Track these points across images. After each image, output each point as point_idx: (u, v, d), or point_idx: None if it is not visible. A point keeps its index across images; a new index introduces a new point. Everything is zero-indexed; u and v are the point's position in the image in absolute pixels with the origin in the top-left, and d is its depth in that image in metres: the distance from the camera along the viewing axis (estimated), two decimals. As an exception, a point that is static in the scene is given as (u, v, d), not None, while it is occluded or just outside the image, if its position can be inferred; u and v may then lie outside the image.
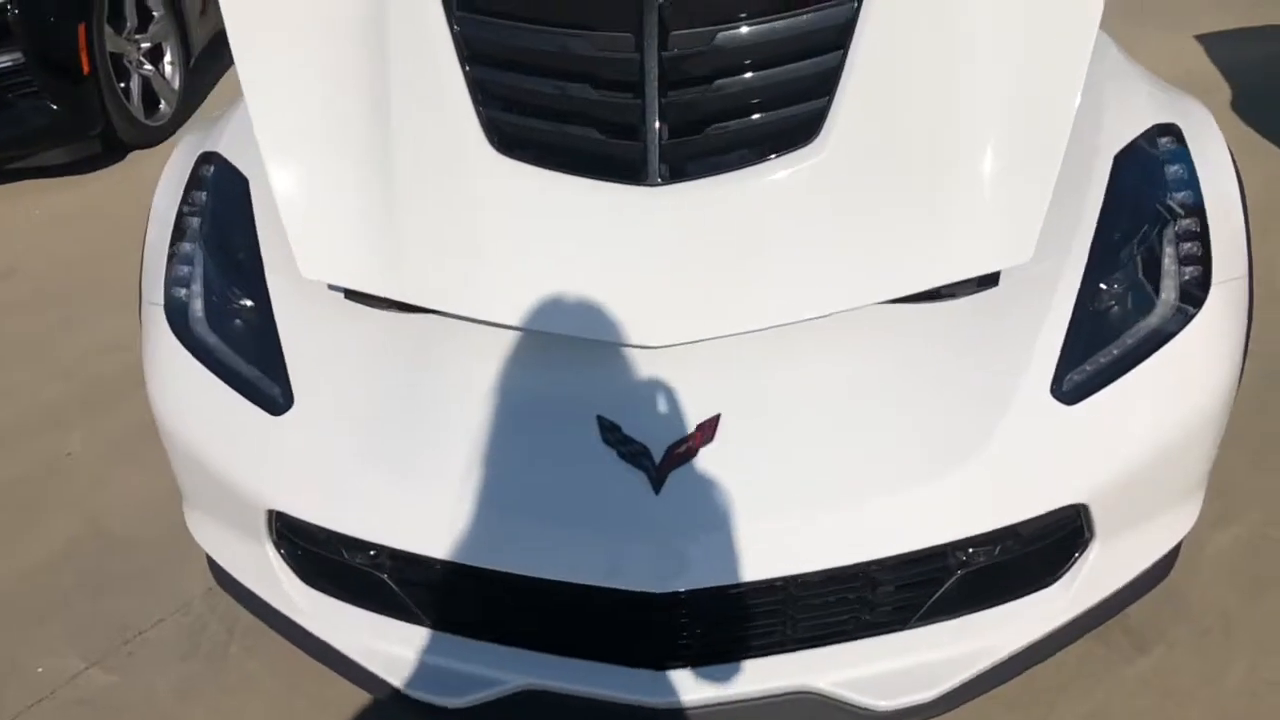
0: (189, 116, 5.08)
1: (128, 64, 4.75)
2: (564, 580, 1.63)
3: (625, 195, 1.61)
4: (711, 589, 1.59)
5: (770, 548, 1.59)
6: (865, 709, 1.71)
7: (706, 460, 1.62)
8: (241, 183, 2.05)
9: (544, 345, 1.77)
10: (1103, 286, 1.78)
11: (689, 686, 1.71)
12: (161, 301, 1.97)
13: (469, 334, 1.80)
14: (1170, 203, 1.88)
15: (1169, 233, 1.85)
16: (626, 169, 1.62)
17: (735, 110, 1.67)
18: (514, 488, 1.65)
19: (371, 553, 1.75)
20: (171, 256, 2.01)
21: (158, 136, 4.84)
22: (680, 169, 1.63)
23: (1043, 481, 1.66)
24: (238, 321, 1.92)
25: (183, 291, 1.96)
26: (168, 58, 5.06)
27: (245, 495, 1.81)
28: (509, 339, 1.79)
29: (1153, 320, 1.77)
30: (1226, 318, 1.81)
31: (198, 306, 1.94)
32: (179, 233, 2.03)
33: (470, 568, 1.67)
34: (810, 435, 1.65)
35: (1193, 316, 1.78)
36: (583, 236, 1.62)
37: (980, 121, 1.63)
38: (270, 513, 1.80)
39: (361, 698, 2.02)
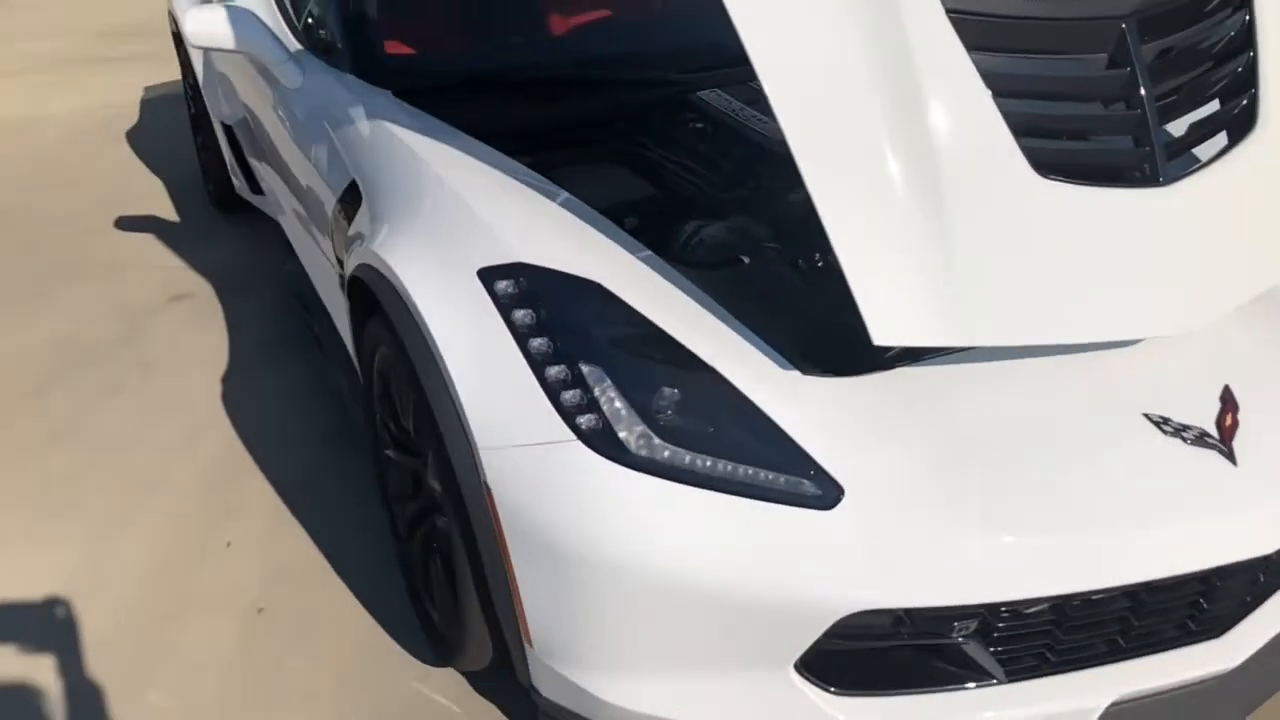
0: None
1: None
2: (1183, 573, 1.66)
3: (1147, 197, 1.69)
4: None
5: None
6: None
7: (1246, 425, 1.75)
8: (587, 285, 1.77)
9: (1042, 363, 1.79)
10: None
11: (1239, 646, 1.81)
12: (569, 437, 1.64)
13: (966, 373, 1.76)
14: None
15: None
16: (1138, 173, 1.70)
17: (1192, 108, 1.82)
18: (1117, 501, 1.65)
19: (970, 618, 1.64)
20: (547, 386, 1.68)
21: None
22: (1171, 167, 1.74)
23: None
24: (697, 427, 1.65)
25: (587, 420, 1.65)
26: None
27: (805, 610, 1.58)
28: (1004, 368, 1.77)
29: None
30: None
31: (629, 427, 1.64)
32: (534, 359, 1.71)
33: (1086, 594, 1.64)
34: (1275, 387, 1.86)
35: None
36: (1124, 241, 1.67)
37: None
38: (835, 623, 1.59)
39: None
